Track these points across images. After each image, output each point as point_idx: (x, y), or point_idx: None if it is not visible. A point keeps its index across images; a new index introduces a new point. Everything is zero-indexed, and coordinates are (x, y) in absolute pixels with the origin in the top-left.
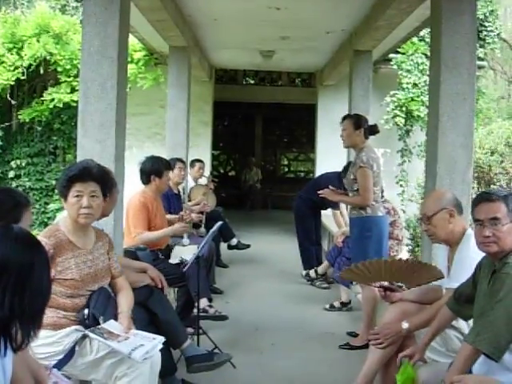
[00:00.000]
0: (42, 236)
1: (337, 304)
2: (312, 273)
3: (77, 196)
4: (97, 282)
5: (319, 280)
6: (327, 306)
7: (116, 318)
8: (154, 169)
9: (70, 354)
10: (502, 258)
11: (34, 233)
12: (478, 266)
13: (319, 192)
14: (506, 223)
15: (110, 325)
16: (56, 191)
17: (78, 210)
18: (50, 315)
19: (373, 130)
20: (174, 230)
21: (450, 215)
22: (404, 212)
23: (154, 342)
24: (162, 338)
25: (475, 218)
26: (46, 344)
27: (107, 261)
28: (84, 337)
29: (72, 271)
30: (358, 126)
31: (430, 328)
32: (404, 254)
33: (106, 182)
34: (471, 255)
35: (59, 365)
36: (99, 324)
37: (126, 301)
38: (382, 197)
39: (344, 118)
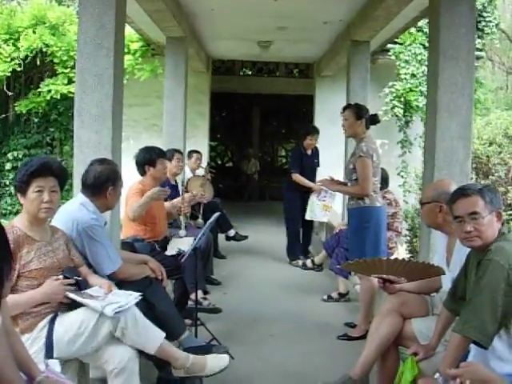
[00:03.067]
0: None
1: (335, 295)
2: (309, 262)
3: (38, 191)
4: (61, 270)
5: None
6: (325, 297)
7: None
8: (146, 159)
9: (50, 334)
10: (486, 247)
11: None
12: (467, 259)
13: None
14: (485, 215)
15: (93, 290)
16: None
17: (39, 204)
18: (24, 318)
19: (374, 120)
20: (152, 192)
21: (439, 210)
22: (406, 203)
23: (129, 298)
24: (137, 295)
25: (455, 215)
26: (28, 346)
27: (67, 251)
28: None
29: (34, 262)
30: (360, 116)
31: (435, 330)
32: (402, 247)
33: (63, 176)
34: None
35: (49, 353)
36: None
37: (97, 277)
38: (387, 187)
39: (345, 108)
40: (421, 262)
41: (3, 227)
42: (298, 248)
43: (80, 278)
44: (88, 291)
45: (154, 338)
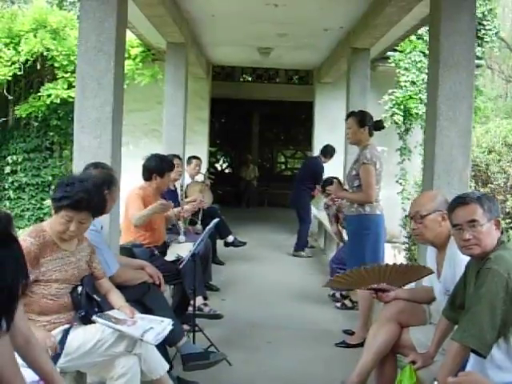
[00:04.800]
0: (27, 235)
1: (338, 294)
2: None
3: (67, 220)
4: (79, 280)
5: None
6: (330, 293)
7: (105, 303)
8: (157, 168)
9: (61, 345)
10: (485, 256)
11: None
12: (466, 268)
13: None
14: (484, 223)
15: (115, 313)
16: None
17: (64, 231)
18: (34, 326)
19: (378, 126)
20: (156, 206)
21: (442, 218)
22: (404, 210)
23: (163, 325)
24: (170, 321)
25: (453, 223)
26: None
27: (90, 262)
28: (69, 328)
29: (55, 273)
30: (363, 123)
31: (433, 338)
32: (400, 254)
33: (99, 210)
34: (461, 256)
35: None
36: (93, 300)
37: (119, 297)
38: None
39: (349, 116)
40: (404, 265)
41: (19, 242)
42: (305, 242)
43: (99, 299)
44: (111, 313)
45: (157, 367)
